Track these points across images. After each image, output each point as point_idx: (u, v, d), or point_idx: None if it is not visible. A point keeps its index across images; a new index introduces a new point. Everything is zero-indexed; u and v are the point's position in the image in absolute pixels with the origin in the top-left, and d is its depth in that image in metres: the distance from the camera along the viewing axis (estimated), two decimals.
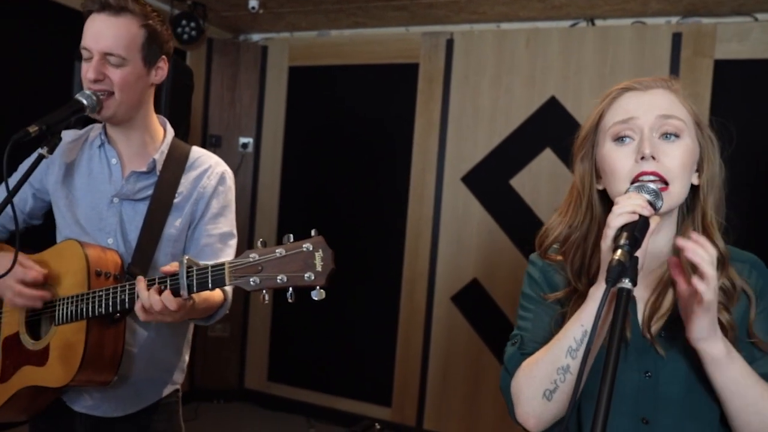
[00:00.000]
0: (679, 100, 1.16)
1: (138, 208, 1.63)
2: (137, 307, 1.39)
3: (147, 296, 1.36)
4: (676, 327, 1.12)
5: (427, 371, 3.89)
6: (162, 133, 1.71)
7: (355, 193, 4.14)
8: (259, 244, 1.30)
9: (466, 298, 3.82)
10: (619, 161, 1.14)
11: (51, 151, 1.45)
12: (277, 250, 1.26)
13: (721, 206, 1.19)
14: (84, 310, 1.48)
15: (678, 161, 1.11)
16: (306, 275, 1.23)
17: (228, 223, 1.72)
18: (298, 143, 4.31)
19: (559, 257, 1.26)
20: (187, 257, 1.36)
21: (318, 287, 1.23)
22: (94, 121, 1.64)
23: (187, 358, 1.80)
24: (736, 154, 3.58)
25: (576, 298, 1.20)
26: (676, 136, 1.13)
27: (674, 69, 3.38)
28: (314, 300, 1.25)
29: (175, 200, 1.63)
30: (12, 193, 1.42)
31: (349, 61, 4.12)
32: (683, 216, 1.20)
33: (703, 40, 3.34)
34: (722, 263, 1.13)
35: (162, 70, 1.64)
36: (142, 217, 1.61)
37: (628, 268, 0.96)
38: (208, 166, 1.70)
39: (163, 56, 1.64)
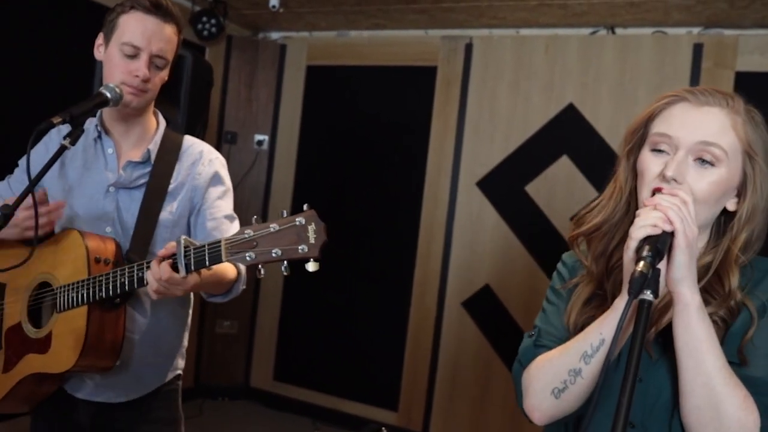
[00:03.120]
0: (730, 124, 1.11)
1: (134, 195, 1.67)
2: (150, 280, 1.41)
3: (158, 268, 1.38)
4: (671, 333, 1.10)
5: (436, 376, 3.86)
6: (155, 124, 1.75)
7: (369, 194, 4.13)
8: (253, 220, 1.33)
9: (478, 304, 3.79)
10: (649, 169, 1.13)
11: (74, 143, 1.49)
12: (270, 226, 1.29)
13: (761, 236, 1.15)
14: (85, 295, 1.51)
15: (704, 189, 1.09)
16: (300, 248, 1.26)
17: (229, 206, 1.76)
18: (313, 142, 4.31)
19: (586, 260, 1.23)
20: (184, 237, 1.39)
21: (312, 259, 1.26)
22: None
23: (186, 343, 1.82)
24: None
25: (587, 282, 1.20)
26: (712, 164, 1.10)
27: (694, 80, 3.36)
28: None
29: (170, 187, 1.68)
30: (33, 183, 1.43)
31: (367, 63, 4.12)
32: (714, 238, 1.17)
33: (725, 52, 3.32)
34: (728, 297, 1.10)
35: (169, 71, 1.70)
36: (138, 204, 1.65)
37: (650, 279, 0.96)
38: (200, 154, 1.75)
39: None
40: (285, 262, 1.27)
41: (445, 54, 3.93)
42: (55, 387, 1.65)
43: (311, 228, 1.27)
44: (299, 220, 1.28)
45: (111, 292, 1.48)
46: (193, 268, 1.37)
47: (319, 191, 4.29)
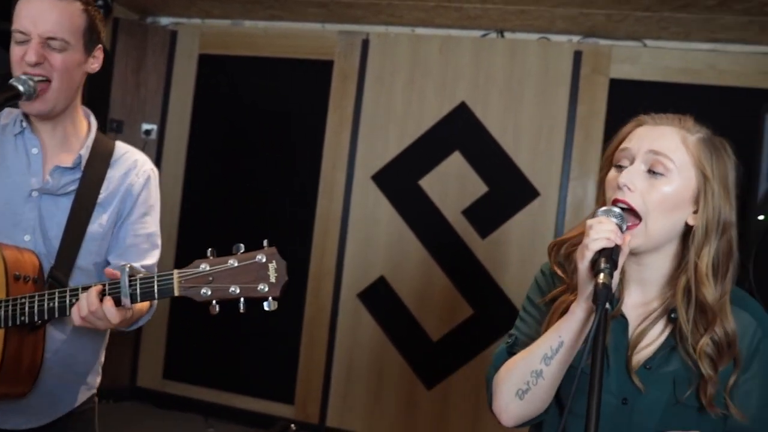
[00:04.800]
0: (681, 140, 1.20)
1: (60, 203, 1.53)
2: (75, 312, 1.32)
3: (95, 300, 1.30)
4: (662, 360, 1.20)
5: (332, 368, 3.90)
6: (86, 126, 1.62)
7: (263, 187, 4.08)
8: (208, 253, 1.28)
9: (373, 296, 3.87)
10: (609, 183, 1.24)
11: None
12: (229, 261, 1.25)
13: (732, 255, 1.21)
14: (3, 318, 1.36)
15: (655, 198, 1.18)
16: (259, 286, 1.24)
17: (155, 223, 1.67)
18: (205, 134, 4.18)
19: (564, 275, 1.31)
20: (129, 265, 1.32)
21: (271, 298, 1.24)
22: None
23: (102, 359, 1.70)
24: None
25: (564, 296, 1.27)
26: (663, 175, 1.18)
27: (575, 84, 3.63)
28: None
29: (100, 197, 1.56)
30: None
31: (263, 54, 4.07)
32: (683, 254, 1.23)
33: (601, 60, 3.62)
34: (714, 315, 1.17)
35: (98, 60, 1.58)
36: (64, 213, 1.52)
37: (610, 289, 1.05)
38: (134, 163, 1.64)
39: (100, 45, 1.58)
40: (241, 299, 1.24)
41: (342, 49, 3.97)
42: None
43: (272, 266, 1.24)
44: (260, 257, 1.24)
45: (37, 317, 1.35)
46: (138, 299, 1.30)
47: (211, 184, 4.18)
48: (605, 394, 1.19)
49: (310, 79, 4.01)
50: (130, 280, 1.30)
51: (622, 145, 1.25)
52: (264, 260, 1.24)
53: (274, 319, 4.02)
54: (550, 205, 3.66)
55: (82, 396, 1.63)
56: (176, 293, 1.27)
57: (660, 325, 1.23)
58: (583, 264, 1.11)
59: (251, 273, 1.24)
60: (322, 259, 3.96)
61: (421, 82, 3.86)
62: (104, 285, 1.33)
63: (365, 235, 3.91)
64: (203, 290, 1.25)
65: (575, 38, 3.69)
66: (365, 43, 3.93)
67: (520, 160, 3.71)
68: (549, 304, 1.30)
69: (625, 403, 1.21)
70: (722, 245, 1.20)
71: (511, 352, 1.28)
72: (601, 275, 1.04)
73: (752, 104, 3.40)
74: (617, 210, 1.16)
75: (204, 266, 1.26)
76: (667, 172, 1.19)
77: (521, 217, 3.70)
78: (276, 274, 1.24)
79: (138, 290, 1.30)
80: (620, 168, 1.22)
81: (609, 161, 1.28)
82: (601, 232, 1.11)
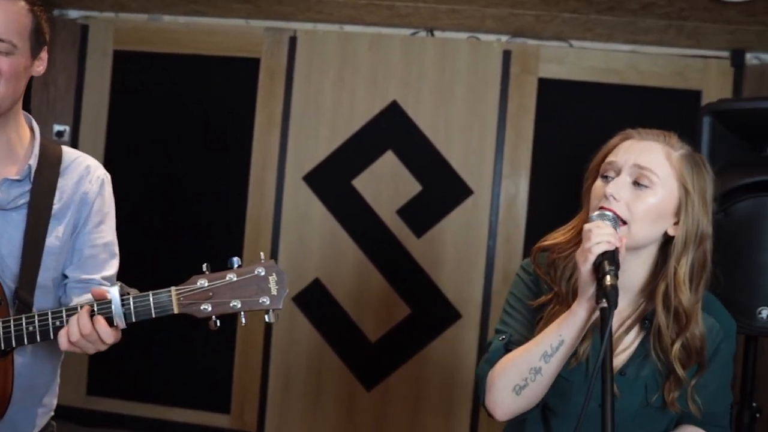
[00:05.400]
0: (665, 156, 1.27)
1: (10, 218, 1.43)
2: (63, 337, 1.26)
3: (87, 321, 1.24)
4: (637, 367, 1.27)
5: (269, 374, 3.82)
6: (29, 133, 1.52)
7: (189, 190, 3.91)
8: (204, 268, 1.28)
9: (308, 299, 3.81)
10: (596, 192, 1.29)
11: None
12: (228, 276, 1.26)
13: (706, 264, 1.30)
14: None
15: (640, 208, 1.25)
16: (261, 299, 1.26)
17: (111, 232, 1.60)
18: (124, 135, 3.95)
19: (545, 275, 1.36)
20: (119, 283, 1.28)
21: (272, 310, 1.26)
22: None
23: (59, 379, 1.64)
24: (558, 163, 3.95)
25: (556, 303, 1.32)
26: (647, 187, 1.25)
27: (504, 83, 3.69)
28: None
29: (54, 208, 1.47)
30: None
31: (185, 51, 3.88)
32: (660, 264, 1.31)
33: (529, 60, 3.69)
34: (688, 319, 1.26)
35: (43, 62, 1.49)
36: (16, 229, 1.42)
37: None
38: (86, 169, 1.56)
39: (45, 47, 1.49)
40: (242, 312, 1.25)
41: (269, 46, 3.84)
42: None
43: (272, 279, 1.26)
44: (259, 270, 1.26)
45: (15, 343, 1.28)
46: (134, 319, 1.26)
47: (131, 187, 3.95)
48: (582, 398, 1.24)
49: (236, 77, 3.86)
50: (122, 299, 1.26)
51: (609, 158, 1.31)
52: (263, 273, 1.27)
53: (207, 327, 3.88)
54: (484, 203, 3.72)
55: (41, 420, 1.57)
56: (176, 311, 1.27)
57: (633, 332, 1.32)
58: (586, 267, 1.17)
59: (252, 286, 1.26)
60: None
61: (352, 81, 3.80)
62: (92, 305, 1.28)
63: (298, 237, 3.83)
64: (203, 306, 1.26)
65: (504, 38, 3.74)
66: (293, 41, 3.82)
67: (453, 159, 3.74)
68: (540, 307, 1.35)
69: (600, 406, 1.27)
70: (699, 255, 1.28)
71: (508, 349, 1.32)
72: (608, 277, 1.11)
73: (670, 103, 3.59)
74: (610, 214, 1.23)
75: (202, 282, 1.27)
76: (652, 185, 1.26)
77: (456, 216, 3.73)
78: (277, 287, 1.27)
79: (132, 309, 1.27)
80: (606, 179, 1.29)
81: (595, 172, 1.34)
82: (602, 235, 1.17)
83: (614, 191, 1.24)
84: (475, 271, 3.71)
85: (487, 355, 1.34)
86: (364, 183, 3.80)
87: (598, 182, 1.31)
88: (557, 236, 1.36)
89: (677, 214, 1.28)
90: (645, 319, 1.30)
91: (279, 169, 3.84)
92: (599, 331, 1.26)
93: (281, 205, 3.84)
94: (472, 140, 3.73)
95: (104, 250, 1.55)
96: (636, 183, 1.26)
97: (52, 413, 1.61)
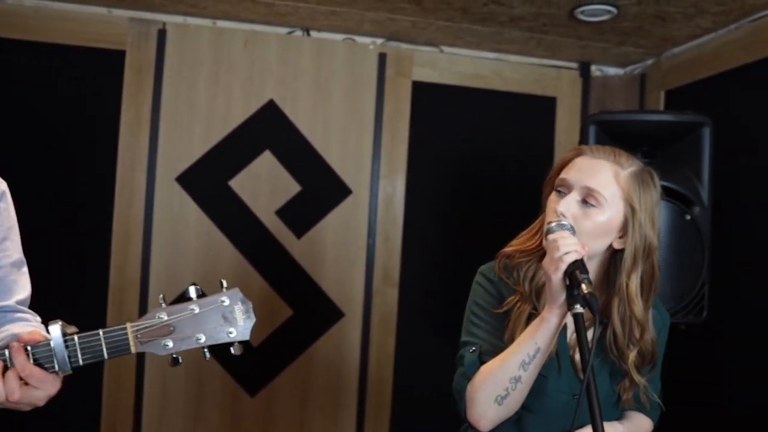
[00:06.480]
0: (613, 175, 1.38)
1: None
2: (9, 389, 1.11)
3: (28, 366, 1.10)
4: (598, 364, 1.38)
5: (143, 388, 3.59)
6: None
7: (47, 194, 3.53)
8: (160, 300, 1.19)
9: None
10: (549, 206, 1.40)
11: None
12: (189, 307, 1.16)
13: (655, 275, 1.41)
14: None
15: (587, 225, 1.36)
16: (228, 331, 1.18)
17: (17, 248, 1.50)
18: None
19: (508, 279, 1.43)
20: (60, 321, 1.16)
21: (237, 342, 1.20)
22: None
23: None
24: (432, 163, 4.14)
25: (522, 303, 1.39)
26: (594, 206, 1.36)
27: (380, 85, 3.78)
28: None
29: None
30: None
31: (35, 38, 3.49)
32: (608, 277, 1.43)
33: (404, 63, 3.82)
34: (642, 329, 1.39)
35: None
36: None
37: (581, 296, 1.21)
38: None
39: None
40: (206, 348, 1.16)
41: (135, 38, 3.59)
42: None
43: (238, 308, 1.18)
44: (222, 299, 1.16)
45: None
46: (81, 363, 1.13)
47: None
48: (558, 392, 1.38)
49: (99, 70, 3.56)
50: (66, 341, 1.13)
51: (562, 174, 1.41)
52: (228, 302, 1.18)
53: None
54: (363, 203, 3.79)
55: None
56: (133, 350, 1.16)
57: (590, 332, 1.40)
58: (557, 275, 1.25)
59: (216, 318, 1.17)
60: (124, 270, 3.59)
61: (227, 78, 3.68)
62: (26, 348, 1.12)
63: (172, 241, 3.64)
64: (165, 342, 1.16)
65: (379, 41, 3.83)
66: (162, 33, 3.61)
67: (332, 159, 3.76)
68: (505, 312, 1.42)
69: (576, 398, 1.37)
70: (647, 267, 1.41)
71: (482, 360, 1.38)
72: (584, 285, 1.19)
73: (529, 107, 3.92)
74: (568, 223, 1.33)
75: (162, 315, 1.17)
76: (599, 205, 1.37)
77: (335, 215, 3.77)
78: (244, 316, 1.20)
79: (79, 353, 1.14)
80: (560, 193, 1.39)
81: (552, 183, 1.44)
82: (570, 245, 1.26)
83: (564, 209, 1.36)
84: (356, 270, 3.78)
85: (463, 369, 1.38)
86: (241, 184, 3.70)
87: (553, 196, 1.42)
88: (518, 243, 1.45)
89: (623, 229, 1.40)
90: (601, 322, 1.40)
91: (149, 170, 3.61)
92: (563, 329, 1.40)
93: (152, 209, 3.62)
94: (350, 140, 3.79)
95: (13, 271, 1.43)
96: (584, 201, 1.37)
97: None
